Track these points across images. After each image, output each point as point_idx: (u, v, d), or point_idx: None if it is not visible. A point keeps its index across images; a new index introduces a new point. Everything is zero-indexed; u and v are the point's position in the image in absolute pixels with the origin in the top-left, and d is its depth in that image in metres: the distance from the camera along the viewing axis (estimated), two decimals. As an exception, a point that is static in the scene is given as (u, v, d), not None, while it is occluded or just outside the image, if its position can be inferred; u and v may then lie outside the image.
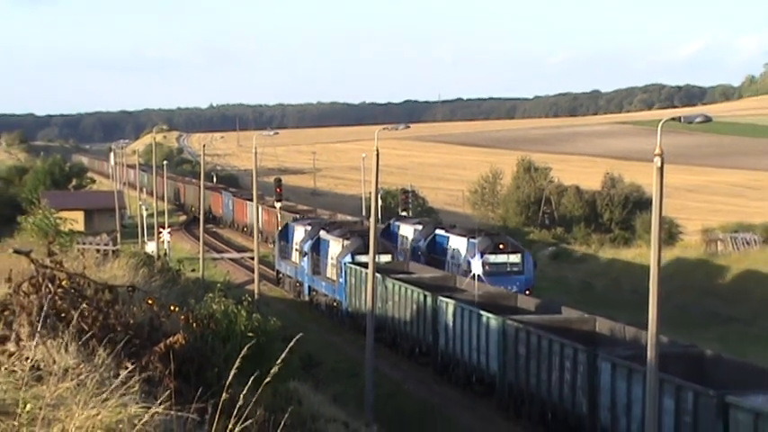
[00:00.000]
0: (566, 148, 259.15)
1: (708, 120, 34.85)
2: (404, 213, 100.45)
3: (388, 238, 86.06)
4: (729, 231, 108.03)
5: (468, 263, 72.30)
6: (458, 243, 79.45)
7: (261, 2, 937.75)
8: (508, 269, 74.51)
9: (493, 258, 74.19)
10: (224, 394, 11.42)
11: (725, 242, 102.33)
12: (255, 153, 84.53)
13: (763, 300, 79.69)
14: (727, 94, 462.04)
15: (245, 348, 13.06)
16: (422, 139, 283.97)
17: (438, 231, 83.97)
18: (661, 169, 31.96)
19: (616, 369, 40.59)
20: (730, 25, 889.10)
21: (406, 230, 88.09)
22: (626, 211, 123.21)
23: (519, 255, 75.72)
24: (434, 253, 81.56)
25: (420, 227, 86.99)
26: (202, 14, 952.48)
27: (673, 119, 35.60)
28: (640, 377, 37.32)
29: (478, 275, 59.92)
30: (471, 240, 77.12)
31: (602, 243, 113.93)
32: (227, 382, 11.77)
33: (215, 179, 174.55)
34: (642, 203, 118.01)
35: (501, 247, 75.53)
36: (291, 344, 14.03)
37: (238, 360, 12.16)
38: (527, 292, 67.55)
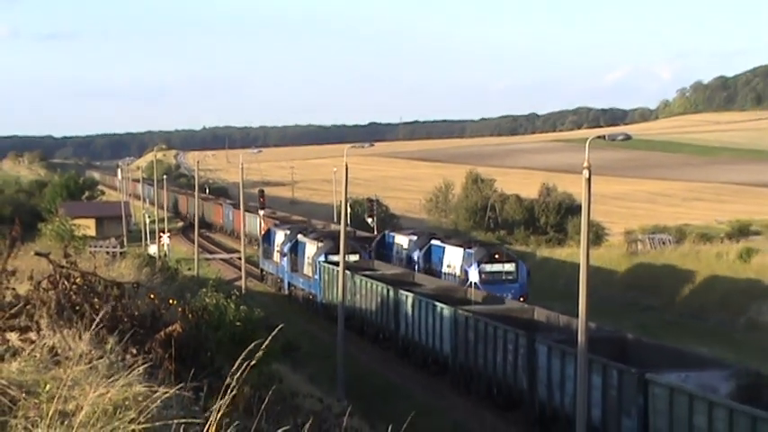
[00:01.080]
0: (507, 162, 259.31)
1: (628, 138, 34.99)
2: (369, 218, 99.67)
3: (384, 248, 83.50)
4: (647, 233, 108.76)
5: (466, 272, 70.15)
6: (454, 253, 73.89)
7: (245, 38, 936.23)
8: (503, 277, 69.28)
9: (489, 267, 69.34)
10: (220, 378, 11.39)
11: (644, 242, 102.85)
12: (242, 168, 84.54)
13: (676, 291, 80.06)
14: (645, 115, 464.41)
15: (239, 339, 13.03)
16: (384, 155, 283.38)
17: (434, 242, 78.18)
18: (589, 180, 32.12)
19: (551, 351, 40.70)
20: (648, 56, 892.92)
21: (401, 240, 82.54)
22: (559, 215, 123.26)
23: (513, 264, 70.63)
24: (430, 262, 76.76)
25: (415, 237, 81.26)
26: (196, 50, 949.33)
27: (599, 137, 35.78)
28: (572, 358, 37.45)
29: (475, 283, 59.22)
30: (468, 250, 71.75)
31: (539, 243, 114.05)
32: (221, 366, 11.75)
33: (207, 191, 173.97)
34: (573, 209, 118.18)
35: (496, 256, 70.48)
36: (275, 332, 14.00)
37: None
38: (521, 299, 64.21)
